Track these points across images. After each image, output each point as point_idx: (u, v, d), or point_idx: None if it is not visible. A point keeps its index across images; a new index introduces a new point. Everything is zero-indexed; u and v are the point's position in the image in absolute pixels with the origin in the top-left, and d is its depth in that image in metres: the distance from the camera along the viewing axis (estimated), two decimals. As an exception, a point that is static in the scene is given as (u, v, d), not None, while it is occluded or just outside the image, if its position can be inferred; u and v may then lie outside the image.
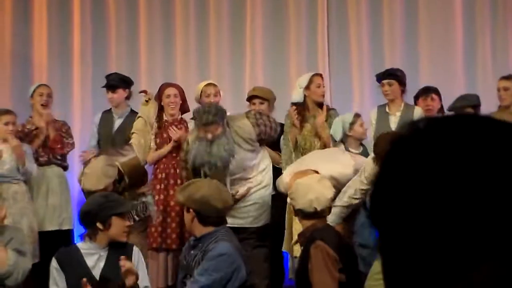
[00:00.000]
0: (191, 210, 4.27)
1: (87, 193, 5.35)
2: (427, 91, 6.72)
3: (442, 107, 6.71)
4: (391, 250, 0.89)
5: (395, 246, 0.89)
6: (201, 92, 6.65)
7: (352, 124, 6.07)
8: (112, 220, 4.30)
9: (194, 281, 4.14)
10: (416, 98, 6.79)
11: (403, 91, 6.50)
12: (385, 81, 6.48)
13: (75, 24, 8.45)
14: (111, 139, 6.86)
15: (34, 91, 6.93)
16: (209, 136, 5.65)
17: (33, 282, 5.27)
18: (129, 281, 4.07)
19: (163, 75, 7.98)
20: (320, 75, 6.62)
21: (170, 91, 6.65)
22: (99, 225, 4.29)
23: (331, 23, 8.16)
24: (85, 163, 6.58)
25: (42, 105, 6.83)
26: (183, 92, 6.74)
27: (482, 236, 0.83)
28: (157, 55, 8.34)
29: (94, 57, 8.38)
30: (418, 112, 6.36)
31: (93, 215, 4.29)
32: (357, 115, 6.19)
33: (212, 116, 5.64)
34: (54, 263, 4.34)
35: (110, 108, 7.03)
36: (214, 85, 6.72)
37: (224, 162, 5.67)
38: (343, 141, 6.07)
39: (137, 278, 4.10)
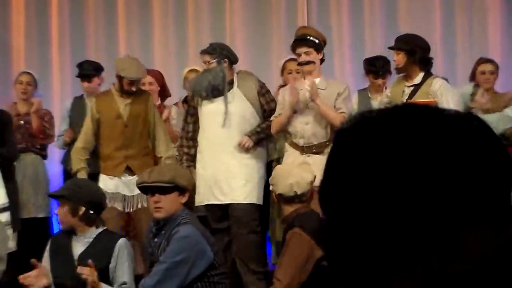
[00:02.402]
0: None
1: None
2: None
3: None
4: (337, 236, 0.91)
5: (342, 232, 0.91)
6: (184, 78, 6.66)
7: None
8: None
9: (159, 263, 4.18)
10: None
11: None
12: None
13: (53, 10, 8.41)
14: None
15: (16, 79, 6.94)
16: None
17: (10, 271, 5.17)
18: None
19: (142, 60, 7.88)
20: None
21: (145, 79, 6.52)
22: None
23: (311, 7, 8.15)
24: (66, 145, 6.67)
25: (21, 93, 6.82)
26: (162, 77, 6.66)
27: (423, 223, 0.85)
28: (136, 41, 8.30)
29: (73, 43, 8.35)
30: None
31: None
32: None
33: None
34: (49, 242, 4.46)
35: (82, 94, 6.97)
36: (197, 71, 6.66)
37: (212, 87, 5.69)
38: None
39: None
